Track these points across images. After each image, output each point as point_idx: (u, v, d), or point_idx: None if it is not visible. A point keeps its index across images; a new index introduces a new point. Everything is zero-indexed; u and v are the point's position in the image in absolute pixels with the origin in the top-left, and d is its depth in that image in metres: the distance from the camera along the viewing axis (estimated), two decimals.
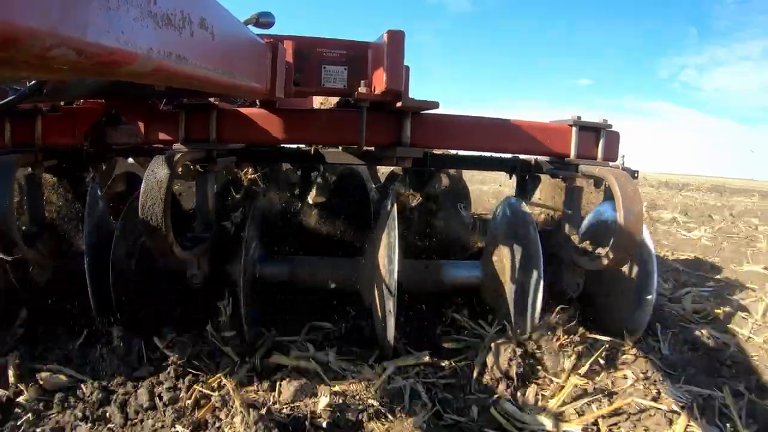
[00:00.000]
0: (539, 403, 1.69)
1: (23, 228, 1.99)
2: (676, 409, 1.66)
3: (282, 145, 2.26)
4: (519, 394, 1.74)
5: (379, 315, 1.89)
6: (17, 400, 1.57)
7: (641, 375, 1.88)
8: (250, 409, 1.45)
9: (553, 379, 1.82)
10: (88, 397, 1.59)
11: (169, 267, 2.01)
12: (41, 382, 1.64)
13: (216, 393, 1.61)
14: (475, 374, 1.82)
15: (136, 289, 2.01)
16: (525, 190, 2.40)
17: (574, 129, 2.09)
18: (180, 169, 1.92)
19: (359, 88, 1.84)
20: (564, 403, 1.69)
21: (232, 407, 1.51)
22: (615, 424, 1.61)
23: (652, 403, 1.69)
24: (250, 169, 2.74)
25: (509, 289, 2.06)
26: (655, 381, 1.84)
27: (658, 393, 1.77)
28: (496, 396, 1.71)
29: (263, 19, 2.16)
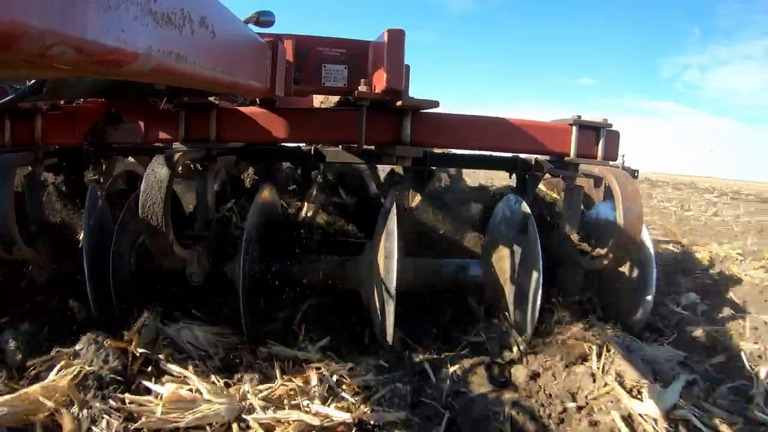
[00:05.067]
0: None
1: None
2: None
3: (282, 144, 2.26)
4: None
5: (378, 314, 1.89)
6: None
7: None
8: None
9: None
10: None
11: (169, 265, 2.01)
12: None
13: None
14: None
15: (136, 287, 2.01)
16: (525, 189, 2.40)
17: (574, 128, 2.09)
18: (180, 168, 1.93)
19: (359, 87, 1.84)
20: None
21: None
22: None
23: None
24: (251, 169, 2.74)
25: (509, 287, 2.06)
26: None
27: None
28: None
29: (263, 18, 2.16)
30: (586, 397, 1.59)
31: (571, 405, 1.58)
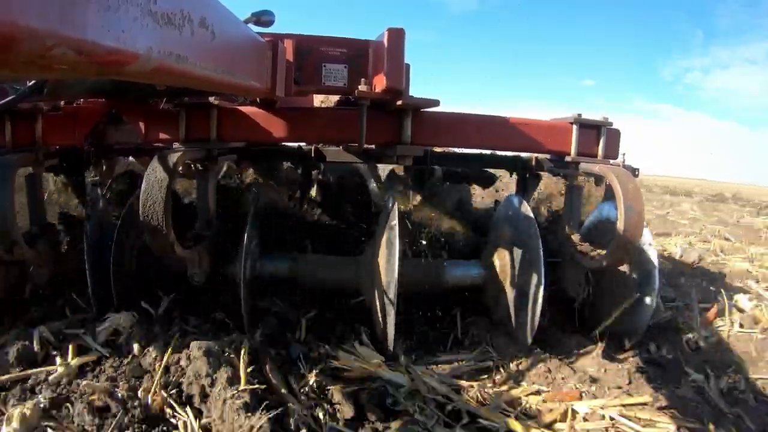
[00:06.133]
0: None
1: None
2: None
3: (283, 144, 2.26)
4: None
5: (378, 317, 1.89)
6: None
7: None
8: None
9: None
10: None
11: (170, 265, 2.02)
12: None
13: None
14: None
15: (137, 287, 2.02)
16: (526, 188, 2.40)
17: (574, 127, 2.09)
18: (181, 168, 1.93)
19: (359, 87, 1.83)
20: None
21: None
22: None
23: None
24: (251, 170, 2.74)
25: (510, 289, 2.05)
26: None
27: None
28: None
29: (263, 18, 2.16)
30: None
31: None
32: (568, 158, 2.11)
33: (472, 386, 1.70)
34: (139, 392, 1.46)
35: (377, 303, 1.89)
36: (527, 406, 1.63)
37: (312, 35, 2.02)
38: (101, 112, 2.08)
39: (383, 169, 2.80)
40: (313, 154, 2.22)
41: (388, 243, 1.85)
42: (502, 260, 2.12)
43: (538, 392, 1.73)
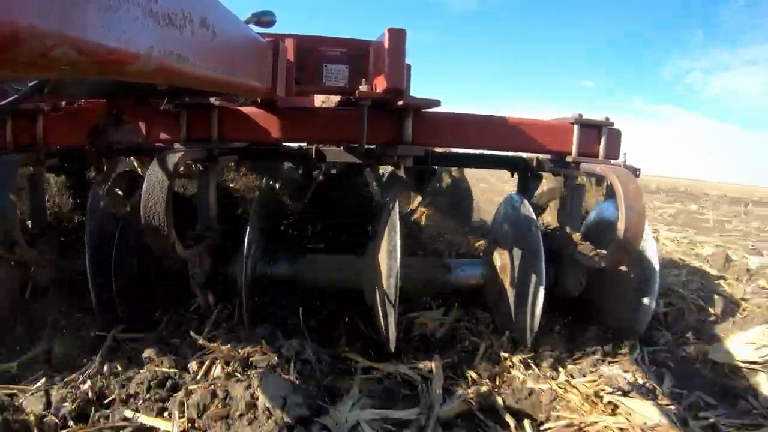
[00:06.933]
0: None
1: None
2: None
3: (283, 144, 2.26)
4: None
5: (380, 316, 1.89)
6: None
7: None
8: None
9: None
10: None
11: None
12: None
13: None
14: None
15: (138, 288, 2.02)
16: (527, 188, 2.40)
17: (575, 127, 2.08)
18: (182, 169, 1.93)
19: (360, 87, 1.83)
20: None
21: None
22: None
23: None
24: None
25: (510, 289, 2.05)
26: None
27: None
28: None
29: (264, 18, 2.16)
30: None
31: None
32: (569, 158, 2.11)
33: None
34: None
35: (378, 305, 1.89)
36: None
37: (313, 35, 2.03)
38: (102, 112, 2.08)
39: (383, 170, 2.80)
40: (313, 155, 2.22)
41: (389, 243, 1.84)
42: (502, 260, 2.11)
43: None
